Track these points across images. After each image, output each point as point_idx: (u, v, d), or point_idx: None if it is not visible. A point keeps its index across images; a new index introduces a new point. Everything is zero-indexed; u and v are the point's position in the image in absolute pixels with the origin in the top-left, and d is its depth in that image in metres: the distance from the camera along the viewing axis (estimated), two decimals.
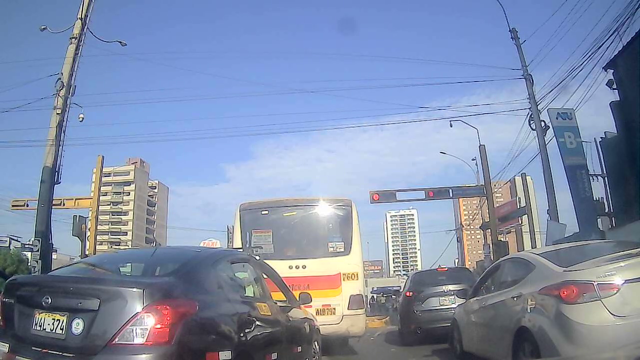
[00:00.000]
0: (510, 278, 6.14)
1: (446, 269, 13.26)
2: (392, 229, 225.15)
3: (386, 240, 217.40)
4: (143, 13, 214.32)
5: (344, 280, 8.66)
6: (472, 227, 52.25)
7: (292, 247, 9.18)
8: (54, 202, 17.21)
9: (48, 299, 3.35)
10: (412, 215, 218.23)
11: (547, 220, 17.32)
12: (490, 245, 26.17)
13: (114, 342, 3.12)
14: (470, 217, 52.93)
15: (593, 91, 15.38)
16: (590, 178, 16.65)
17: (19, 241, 35.83)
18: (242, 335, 3.90)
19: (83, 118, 17.71)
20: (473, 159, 30.85)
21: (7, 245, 39.50)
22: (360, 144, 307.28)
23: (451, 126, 24.33)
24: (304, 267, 8.60)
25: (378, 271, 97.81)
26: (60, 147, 16.44)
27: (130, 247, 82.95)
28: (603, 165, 16.92)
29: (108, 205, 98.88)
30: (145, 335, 3.13)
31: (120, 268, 4.48)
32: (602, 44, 13.58)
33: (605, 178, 16.96)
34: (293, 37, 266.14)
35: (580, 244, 7.11)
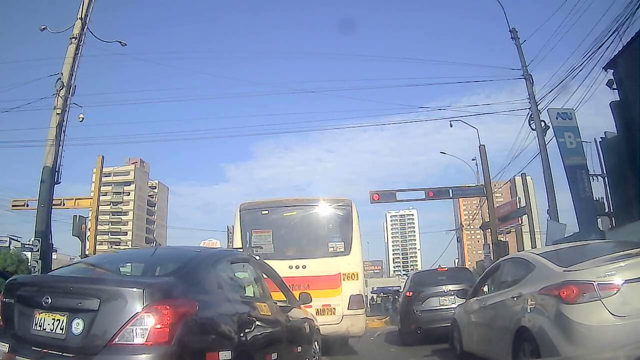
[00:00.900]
0: (510, 278, 6.14)
1: (446, 269, 13.26)
2: (392, 229, 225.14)
3: (386, 240, 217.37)
4: (143, 13, 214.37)
5: (344, 280, 8.66)
6: (472, 227, 52.29)
7: (292, 247, 9.18)
8: (54, 202, 17.22)
9: (48, 299, 3.35)
10: (412, 215, 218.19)
11: (547, 220, 17.32)
12: (490, 245, 26.17)
13: (114, 342, 3.12)
14: (470, 217, 52.97)
15: (593, 91, 15.43)
16: (590, 178, 16.65)
17: (19, 241, 35.85)
18: (242, 335, 3.90)
19: (83, 118, 17.74)
20: (473, 159, 30.91)
21: (7, 245, 39.50)
22: (360, 144, 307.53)
23: (451, 126, 24.33)
24: (304, 267, 8.60)
25: (378, 271, 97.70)
26: (60, 147, 16.46)
27: (130, 247, 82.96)
28: (603, 165, 16.93)
29: (108, 205, 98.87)
30: (145, 335, 3.13)
31: (120, 268, 4.48)
32: (602, 44, 13.61)
33: (605, 178, 16.97)
34: (293, 37, 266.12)
35: (580, 244, 7.10)
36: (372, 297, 41.41)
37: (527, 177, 27.98)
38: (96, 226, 26.66)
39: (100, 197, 31.45)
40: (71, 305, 3.30)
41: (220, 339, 3.67)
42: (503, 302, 5.84)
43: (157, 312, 3.18)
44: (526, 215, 25.69)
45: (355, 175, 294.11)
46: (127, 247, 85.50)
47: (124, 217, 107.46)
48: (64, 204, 24.25)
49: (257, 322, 4.25)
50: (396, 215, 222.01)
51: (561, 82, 16.18)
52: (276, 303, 5.13)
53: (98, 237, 30.82)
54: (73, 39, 16.88)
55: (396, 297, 29.70)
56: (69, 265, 4.91)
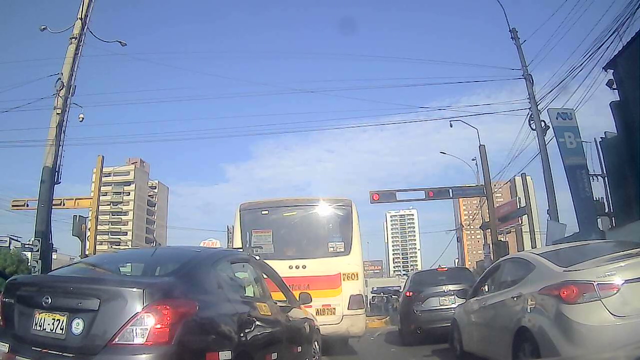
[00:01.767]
0: (510, 278, 6.14)
1: (446, 269, 13.27)
2: (392, 229, 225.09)
3: (386, 240, 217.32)
4: (143, 13, 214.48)
5: (344, 280, 8.66)
6: (472, 227, 52.23)
7: (292, 247, 9.18)
8: (54, 202, 17.22)
9: (48, 299, 3.35)
10: (412, 215, 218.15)
11: (547, 220, 17.32)
12: (490, 245, 26.17)
13: (114, 342, 3.12)
14: (470, 217, 52.93)
15: (593, 91, 15.45)
16: (590, 178, 16.63)
17: (19, 241, 35.82)
18: (242, 335, 3.90)
19: (83, 118, 17.74)
20: (473, 159, 30.91)
21: (7, 245, 39.48)
22: (360, 144, 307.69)
23: (451, 126, 24.34)
24: (304, 267, 8.60)
25: (378, 271, 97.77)
26: (60, 147, 16.45)
27: (130, 247, 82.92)
28: (603, 165, 16.91)
29: (108, 205, 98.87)
30: (145, 335, 3.13)
31: (120, 268, 4.48)
32: (602, 44, 13.60)
33: (605, 178, 16.94)
34: (293, 37, 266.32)
35: (580, 244, 7.10)
36: (373, 297, 41.43)
37: (527, 177, 27.99)
38: (96, 226, 26.67)
39: (100, 197, 31.46)
40: (71, 305, 3.30)
41: (220, 339, 3.67)
42: (503, 302, 5.84)
43: (157, 312, 3.18)
44: (526, 215, 25.70)
45: (355, 175, 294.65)
46: (127, 247, 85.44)
47: (124, 217, 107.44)
48: (64, 204, 24.24)
49: (257, 322, 4.24)
50: (396, 215, 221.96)
51: (561, 82, 16.21)
52: (276, 303, 5.12)
53: (98, 237, 30.81)
54: (73, 39, 16.88)
55: (394, 296, 29.75)
56: (69, 265, 4.90)
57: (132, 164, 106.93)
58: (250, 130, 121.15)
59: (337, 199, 9.71)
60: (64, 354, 3.19)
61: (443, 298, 10.64)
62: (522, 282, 5.53)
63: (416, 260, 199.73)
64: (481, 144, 26.00)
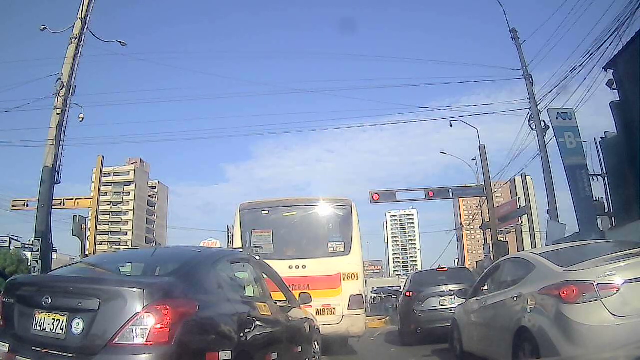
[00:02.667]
0: (510, 278, 6.13)
1: (446, 269, 13.26)
2: (392, 229, 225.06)
3: (386, 240, 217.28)
4: (143, 13, 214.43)
5: (344, 280, 8.66)
6: (472, 227, 52.22)
7: (292, 247, 9.18)
8: (54, 202, 17.20)
9: (48, 299, 3.35)
10: (412, 215, 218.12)
11: (547, 220, 17.31)
12: (490, 245, 26.16)
13: (114, 342, 3.12)
14: (470, 217, 52.94)
15: (593, 91, 15.43)
16: (590, 178, 16.63)
17: (19, 241, 35.88)
18: (242, 335, 3.90)
19: (83, 118, 17.71)
20: (473, 159, 30.91)
21: (7, 245, 39.52)
22: (360, 144, 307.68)
23: (451, 126, 24.39)
24: (304, 267, 8.60)
25: (378, 271, 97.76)
26: (60, 147, 16.43)
27: (130, 247, 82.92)
28: (603, 165, 16.91)
29: (108, 205, 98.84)
30: (145, 335, 3.13)
31: (120, 268, 4.48)
32: (602, 44, 13.60)
33: (605, 178, 16.95)
34: (293, 37, 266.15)
35: (580, 244, 7.10)
36: (373, 297, 41.43)
37: (527, 177, 27.97)
38: (96, 226, 26.65)
39: (100, 197, 31.43)
40: (71, 305, 3.30)
41: (220, 339, 3.67)
42: (503, 302, 5.84)
43: (157, 312, 3.18)
44: (526, 215, 25.69)
45: (355, 175, 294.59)
46: (127, 247, 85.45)
47: (124, 217, 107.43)
48: (64, 204, 24.24)
49: (257, 322, 4.24)
50: (396, 215, 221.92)
51: (561, 82, 16.19)
52: (276, 303, 5.12)
53: (98, 237, 30.80)
54: (73, 39, 16.86)
55: (394, 296, 29.76)
56: (69, 265, 4.90)
57: (132, 164, 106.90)
58: (250, 130, 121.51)
59: (337, 199, 9.71)
60: (64, 354, 3.19)
61: (443, 298, 10.64)
62: (522, 282, 5.53)
63: (416, 260, 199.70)
64: (481, 144, 26.05)
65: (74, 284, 3.58)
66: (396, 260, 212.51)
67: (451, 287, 10.52)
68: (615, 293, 4.24)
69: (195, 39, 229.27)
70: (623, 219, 15.17)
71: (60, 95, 16.36)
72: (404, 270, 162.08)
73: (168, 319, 3.19)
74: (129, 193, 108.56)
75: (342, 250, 8.96)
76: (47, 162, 16.04)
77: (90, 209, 25.95)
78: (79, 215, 23.70)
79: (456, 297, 9.65)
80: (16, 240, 37.63)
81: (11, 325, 3.48)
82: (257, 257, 5.81)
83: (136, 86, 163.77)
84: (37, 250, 15.57)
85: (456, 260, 66.06)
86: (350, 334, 8.96)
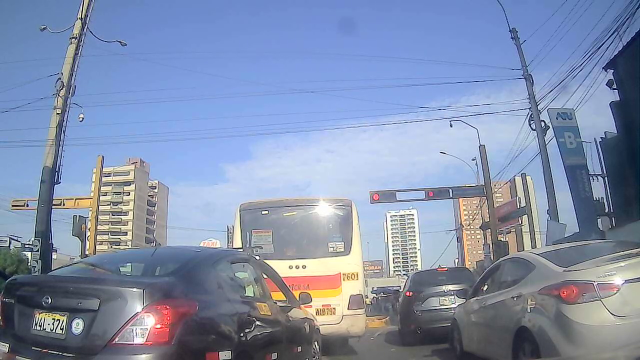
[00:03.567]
0: (510, 278, 6.13)
1: (446, 269, 13.27)
2: (392, 229, 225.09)
3: (386, 240, 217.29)
4: (143, 13, 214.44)
5: (344, 280, 8.66)
6: (472, 227, 52.22)
7: (292, 247, 9.18)
8: (54, 202, 17.20)
9: (48, 299, 3.35)
10: (412, 215, 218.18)
11: (547, 220, 17.31)
12: (490, 245, 26.15)
13: (114, 342, 3.12)
14: (470, 217, 52.96)
15: (593, 91, 15.44)
16: (590, 178, 16.63)
17: (19, 241, 35.90)
18: (242, 335, 3.90)
19: (83, 118, 17.68)
20: (473, 159, 30.90)
21: (7, 245, 39.55)
22: (360, 144, 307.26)
23: (451, 126, 24.36)
24: (304, 267, 8.60)
25: (378, 271, 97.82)
26: (60, 147, 16.43)
27: (130, 247, 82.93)
28: (603, 165, 16.90)
29: (108, 205, 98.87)
30: (145, 335, 3.13)
31: (120, 268, 4.48)
32: (602, 44, 13.60)
33: (605, 178, 16.94)
34: (293, 37, 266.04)
35: (580, 244, 7.10)
36: (374, 297, 41.42)
37: (527, 177, 27.98)
38: (96, 226, 26.64)
39: (100, 197, 31.43)
40: (71, 305, 3.30)
41: (220, 339, 3.67)
42: (503, 302, 5.84)
43: (157, 312, 3.18)
44: (526, 215, 25.67)
45: (355, 175, 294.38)
46: (127, 247, 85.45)
47: (124, 217, 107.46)
48: (64, 204, 24.22)
49: (257, 322, 4.24)
50: (396, 215, 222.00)
51: (561, 82, 16.20)
52: (276, 303, 5.12)
53: (98, 237, 30.79)
54: (73, 39, 16.86)
55: (392, 295, 29.75)
56: (69, 265, 4.91)
57: (132, 164, 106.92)
58: (250, 130, 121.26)
59: (337, 199, 9.71)
60: (64, 354, 3.19)
61: (443, 298, 10.64)
62: (522, 282, 5.53)
63: (416, 260, 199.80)
64: (481, 144, 26.03)
65: (74, 284, 3.58)
66: (396, 260, 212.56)
67: (451, 287, 10.52)
68: (615, 293, 4.24)
69: (195, 39, 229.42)
70: (623, 219, 15.16)
71: (60, 95, 16.37)
72: (404, 270, 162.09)
73: (168, 319, 3.19)
74: (129, 193, 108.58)
75: (342, 250, 8.96)
76: (47, 162, 16.04)
77: (90, 209, 25.94)
78: (79, 215, 23.69)
79: (456, 297, 9.66)
80: (16, 240, 37.67)
81: (11, 325, 3.48)
82: (257, 257, 5.80)
83: (136, 86, 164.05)
84: (37, 250, 15.58)
85: (456, 260, 65.97)
86: (350, 334, 8.95)
